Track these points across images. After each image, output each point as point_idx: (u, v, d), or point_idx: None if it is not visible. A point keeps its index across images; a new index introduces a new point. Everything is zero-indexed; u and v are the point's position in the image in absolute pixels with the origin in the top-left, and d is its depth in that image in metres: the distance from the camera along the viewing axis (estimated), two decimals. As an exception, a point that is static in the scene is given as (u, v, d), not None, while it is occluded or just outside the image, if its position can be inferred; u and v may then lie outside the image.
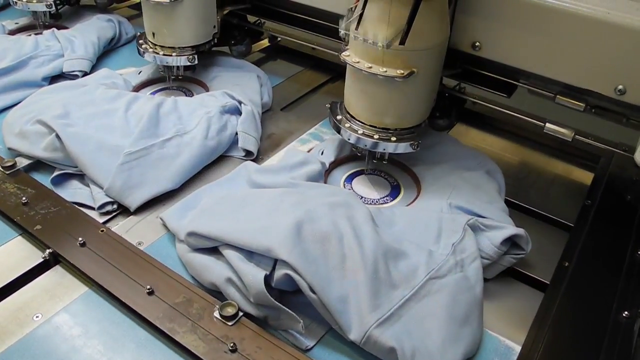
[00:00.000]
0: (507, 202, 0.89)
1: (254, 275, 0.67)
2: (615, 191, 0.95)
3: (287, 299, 0.71)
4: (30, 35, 1.24)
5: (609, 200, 0.93)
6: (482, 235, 0.78)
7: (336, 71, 1.26)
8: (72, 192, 0.88)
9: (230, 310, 0.68)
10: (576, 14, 0.79)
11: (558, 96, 0.87)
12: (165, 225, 0.82)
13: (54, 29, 1.25)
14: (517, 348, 0.70)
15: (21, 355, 0.65)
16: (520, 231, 0.78)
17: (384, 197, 0.91)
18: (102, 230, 0.80)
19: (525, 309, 0.75)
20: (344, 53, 0.84)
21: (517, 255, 0.79)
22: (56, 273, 0.75)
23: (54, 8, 1.29)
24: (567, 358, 0.68)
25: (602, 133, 0.99)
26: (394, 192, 0.92)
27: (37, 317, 0.69)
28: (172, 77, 1.13)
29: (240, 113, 1.02)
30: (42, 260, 0.76)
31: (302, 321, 0.66)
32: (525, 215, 0.91)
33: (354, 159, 0.97)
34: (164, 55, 1.07)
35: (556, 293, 0.76)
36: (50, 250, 0.76)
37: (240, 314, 0.69)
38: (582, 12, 0.79)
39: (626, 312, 0.73)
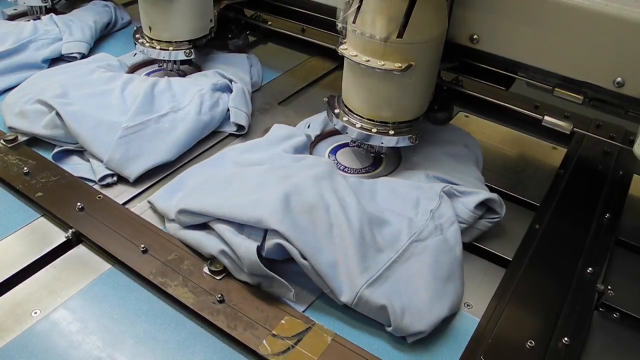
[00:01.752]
0: (504, 195, 0.88)
1: (247, 247, 0.67)
2: (586, 162, 0.97)
3: (278, 267, 0.70)
4: (29, 20, 1.23)
5: (581, 169, 0.95)
6: (457, 200, 0.80)
7: (334, 64, 1.25)
8: (73, 167, 0.88)
9: (218, 266, 0.70)
10: (574, 5, 0.77)
11: (556, 89, 0.84)
12: (153, 209, 0.82)
13: (52, 14, 1.24)
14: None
15: (20, 351, 0.63)
16: (493, 195, 0.79)
17: (366, 167, 0.92)
18: (99, 197, 0.81)
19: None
20: (341, 46, 0.82)
21: (493, 219, 0.80)
22: (54, 269, 0.73)
23: (49, 2, 1.28)
24: (533, 307, 0.70)
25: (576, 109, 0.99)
26: (376, 164, 0.93)
27: (35, 313, 0.67)
28: (169, 70, 1.11)
29: (231, 91, 1.02)
30: (43, 255, 0.75)
31: (293, 290, 0.67)
32: (524, 209, 0.90)
33: (338, 132, 0.96)
34: (160, 49, 1.06)
35: (524, 256, 0.78)
36: (73, 230, 0.75)
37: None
38: (581, 4, 0.76)
39: (590, 269, 0.75)
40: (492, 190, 0.85)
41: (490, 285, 0.75)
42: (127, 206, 0.83)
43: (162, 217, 0.80)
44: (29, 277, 0.72)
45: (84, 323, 0.66)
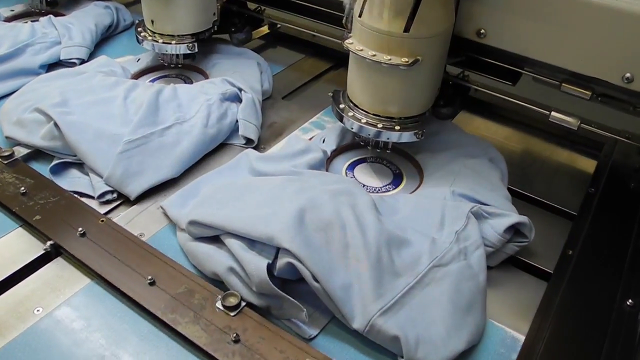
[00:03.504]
0: (510, 191, 0.88)
1: (257, 264, 0.66)
2: (618, 179, 0.95)
3: (290, 287, 0.70)
4: (26, 22, 1.22)
5: (613, 187, 0.93)
6: (485, 223, 0.78)
7: (338, 58, 1.24)
8: (71, 181, 0.87)
9: (232, 301, 0.67)
10: (583, 0, 0.77)
11: (564, 84, 0.85)
12: (166, 215, 0.81)
13: (51, 15, 1.23)
14: (522, 338, 0.69)
15: (22, 349, 0.63)
16: (524, 219, 0.77)
17: (386, 185, 0.90)
18: (102, 220, 0.78)
19: (529, 299, 0.74)
20: (347, 41, 0.83)
21: (521, 243, 0.78)
22: (57, 265, 0.74)
23: None
24: (571, 347, 0.68)
25: (604, 120, 0.98)
26: (396, 180, 0.91)
27: (37, 310, 0.68)
28: (172, 66, 1.11)
29: (240, 100, 1.01)
30: (43, 252, 0.74)
31: (305, 310, 0.66)
32: (529, 204, 0.90)
33: (356, 147, 0.97)
34: (163, 43, 1.06)
35: (560, 282, 0.76)
36: (52, 242, 0.74)
37: (243, 304, 0.68)
38: (590, -1, 0.78)
39: (630, 301, 0.73)
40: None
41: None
42: (128, 223, 0.82)
43: (169, 244, 0.79)
44: (31, 274, 0.73)
45: (87, 321, 0.67)
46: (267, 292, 0.67)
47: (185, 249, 0.76)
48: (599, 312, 0.72)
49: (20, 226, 0.79)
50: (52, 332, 0.65)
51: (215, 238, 0.74)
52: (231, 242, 0.70)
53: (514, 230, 0.78)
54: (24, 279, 0.72)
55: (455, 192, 0.83)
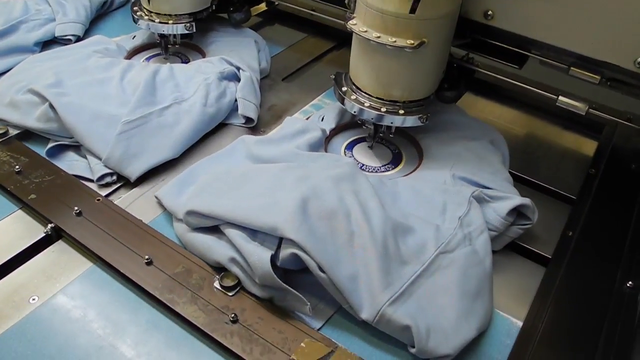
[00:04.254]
0: (514, 176, 0.85)
1: (259, 255, 0.64)
2: (619, 160, 0.93)
3: (293, 277, 0.67)
4: None
5: (613, 169, 0.91)
6: (488, 206, 0.76)
7: (341, 38, 1.20)
8: (69, 164, 0.84)
9: (230, 281, 0.66)
10: None
11: (572, 68, 0.82)
12: (161, 205, 0.78)
13: None
14: (520, 324, 0.68)
15: (18, 339, 0.61)
16: (526, 201, 0.75)
17: (385, 165, 0.88)
18: (98, 199, 0.77)
19: (530, 283, 0.73)
20: (350, 21, 0.79)
21: (524, 226, 0.76)
22: (52, 253, 0.71)
23: None
24: (571, 329, 0.66)
25: (605, 101, 0.96)
26: (396, 160, 0.89)
27: (33, 299, 0.66)
28: (169, 46, 1.07)
29: (238, 79, 0.98)
30: (44, 235, 0.72)
31: (309, 303, 0.63)
32: (530, 189, 0.88)
33: (355, 126, 0.94)
34: (159, 23, 1.01)
35: (560, 263, 0.74)
36: (52, 225, 0.72)
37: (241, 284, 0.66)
38: (601, -21, 0.74)
39: (630, 282, 0.72)
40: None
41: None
42: (127, 207, 0.79)
43: (170, 230, 0.76)
44: (26, 262, 0.71)
45: (84, 310, 0.65)
46: (271, 284, 0.64)
47: (184, 241, 0.72)
48: (599, 294, 0.70)
49: (17, 211, 0.76)
50: (48, 321, 0.63)
51: (214, 228, 0.70)
52: (232, 233, 0.67)
53: (517, 213, 0.76)
54: (18, 267, 0.69)
55: (455, 175, 0.81)
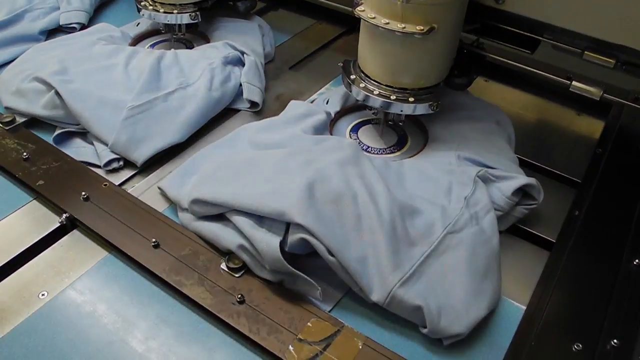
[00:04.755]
0: (524, 162, 0.84)
1: (268, 242, 0.63)
2: (626, 140, 0.91)
3: (301, 262, 0.66)
4: None
5: (620, 148, 0.89)
6: (493, 186, 0.75)
7: (349, 24, 1.17)
8: (76, 150, 0.84)
9: (237, 262, 0.66)
10: None
11: (586, 52, 0.79)
12: (165, 196, 0.77)
13: None
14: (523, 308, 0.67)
15: (28, 335, 0.60)
16: (532, 180, 0.74)
17: (390, 147, 0.87)
18: (105, 184, 0.76)
19: (534, 267, 0.72)
20: (358, 8, 0.77)
21: (529, 206, 0.75)
22: (61, 248, 0.71)
23: None
24: (577, 306, 0.66)
25: (612, 81, 0.94)
26: (401, 142, 0.88)
27: (42, 295, 0.65)
28: (174, 35, 1.06)
29: (242, 64, 0.97)
30: (59, 224, 0.72)
31: (319, 288, 0.63)
32: (537, 173, 0.86)
33: (360, 108, 0.92)
34: (164, 12, 0.99)
35: (567, 242, 0.73)
36: (67, 215, 0.72)
37: (248, 265, 0.66)
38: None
39: (637, 260, 0.71)
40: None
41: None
42: (134, 192, 0.79)
43: (172, 202, 0.76)
44: (35, 257, 0.70)
45: (94, 305, 0.64)
46: (280, 270, 0.64)
47: (190, 230, 0.71)
48: (606, 272, 0.70)
49: (24, 206, 0.76)
50: (58, 317, 0.62)
51: (219, 216, 0.69)
52: (239, 220, 0.66)
53: (522, 193, 0.75)
54: (27, 262, 0.69)
55: (460, 156, 0.80)
